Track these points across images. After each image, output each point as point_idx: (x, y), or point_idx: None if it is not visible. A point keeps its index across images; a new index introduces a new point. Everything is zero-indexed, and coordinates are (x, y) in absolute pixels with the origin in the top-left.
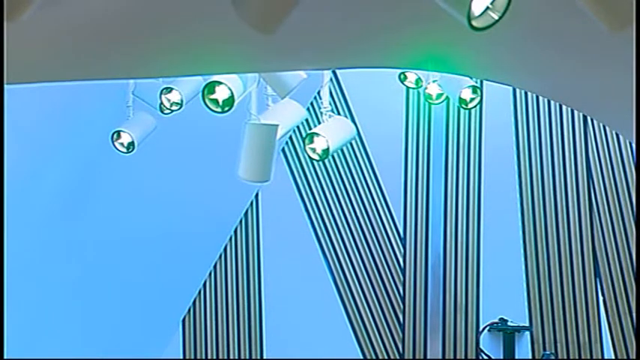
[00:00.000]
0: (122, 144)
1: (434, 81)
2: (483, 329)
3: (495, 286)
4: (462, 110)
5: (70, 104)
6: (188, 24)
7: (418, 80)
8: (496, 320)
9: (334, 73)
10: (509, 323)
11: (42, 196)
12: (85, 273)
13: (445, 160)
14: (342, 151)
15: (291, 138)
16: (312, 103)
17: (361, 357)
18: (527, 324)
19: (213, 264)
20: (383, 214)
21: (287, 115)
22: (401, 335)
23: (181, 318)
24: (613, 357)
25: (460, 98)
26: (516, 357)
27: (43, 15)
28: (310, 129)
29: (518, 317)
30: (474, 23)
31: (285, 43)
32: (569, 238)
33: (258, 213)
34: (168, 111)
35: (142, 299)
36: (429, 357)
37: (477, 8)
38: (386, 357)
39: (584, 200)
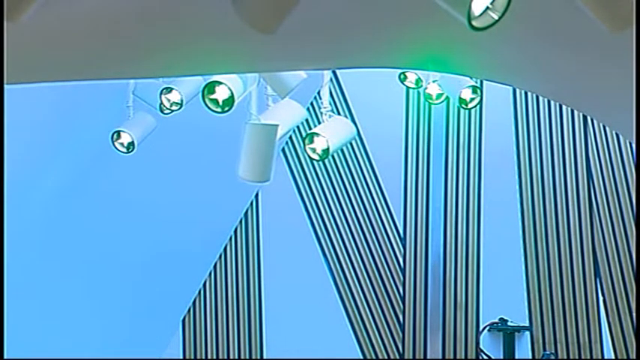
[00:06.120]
0: (122, 144)
1: (434, 81)
2: (483, 329)
3: (495, 286)
4: (462, 110)
5: (70, 104)
6: (188, 24)
7: (418, 80)
8: (496, 320)
9: (334, 73)
10: (509, 323)
11: (42, 196)
12: (85, 273)
13: (445, 160)
14: (342, 151)
15: (291, 138)
16: (312, 103)
17: (361, 357)
18: (527, 324)
19: (213, 264)
20: (383, 214)
21: (287, 115)
22: (401, 335)
23: (181, 318)
24: (613, 357)
25: (460, 98)
26: (516, 357)
27: (43, 15)
28: (310, 129)
29: (518, 317)
30: (474, 23)
31: (285, 43)
32: (569, 238)
33: (258, 213)
34: (168, 111)
35: (142, 299)
36: (429, 357)
37: (477, 8)
38: (386, 357)
39: (584, 200)
